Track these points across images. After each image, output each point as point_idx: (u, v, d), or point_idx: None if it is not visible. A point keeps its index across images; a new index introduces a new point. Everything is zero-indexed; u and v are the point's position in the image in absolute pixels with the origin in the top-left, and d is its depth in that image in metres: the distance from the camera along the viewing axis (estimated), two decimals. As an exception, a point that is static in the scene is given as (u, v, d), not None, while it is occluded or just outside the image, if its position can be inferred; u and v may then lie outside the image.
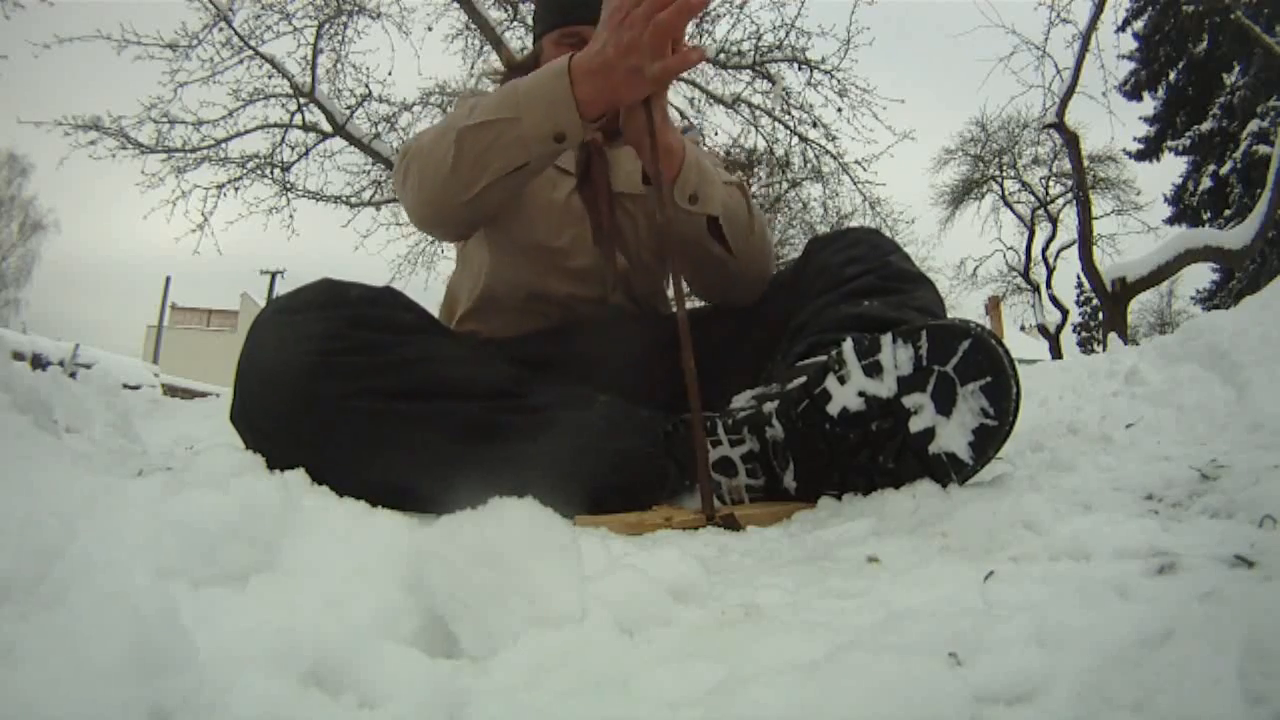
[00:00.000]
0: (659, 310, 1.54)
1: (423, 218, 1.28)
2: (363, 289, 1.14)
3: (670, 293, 1.78)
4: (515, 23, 7.45)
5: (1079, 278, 18.61)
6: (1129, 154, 16.80)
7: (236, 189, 7.62)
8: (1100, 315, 11.95)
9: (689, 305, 1.12)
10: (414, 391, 1.03)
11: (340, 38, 7.45)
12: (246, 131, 7.56)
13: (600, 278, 1.40)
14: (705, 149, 1.59)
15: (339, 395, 1.00)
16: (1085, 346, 22.54)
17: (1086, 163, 10.20)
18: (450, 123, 1.18)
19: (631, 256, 1.43)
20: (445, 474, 0.95)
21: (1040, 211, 13.91)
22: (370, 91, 7.58)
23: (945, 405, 0.93)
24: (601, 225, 1.38)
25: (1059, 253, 13.83)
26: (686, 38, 1.09)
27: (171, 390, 12.25)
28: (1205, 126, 17.23)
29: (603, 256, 1.39)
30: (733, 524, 0.96)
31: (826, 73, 7.48)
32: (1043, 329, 13.59)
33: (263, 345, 1.06)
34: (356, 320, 1.07)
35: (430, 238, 7.30)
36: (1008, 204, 14.11)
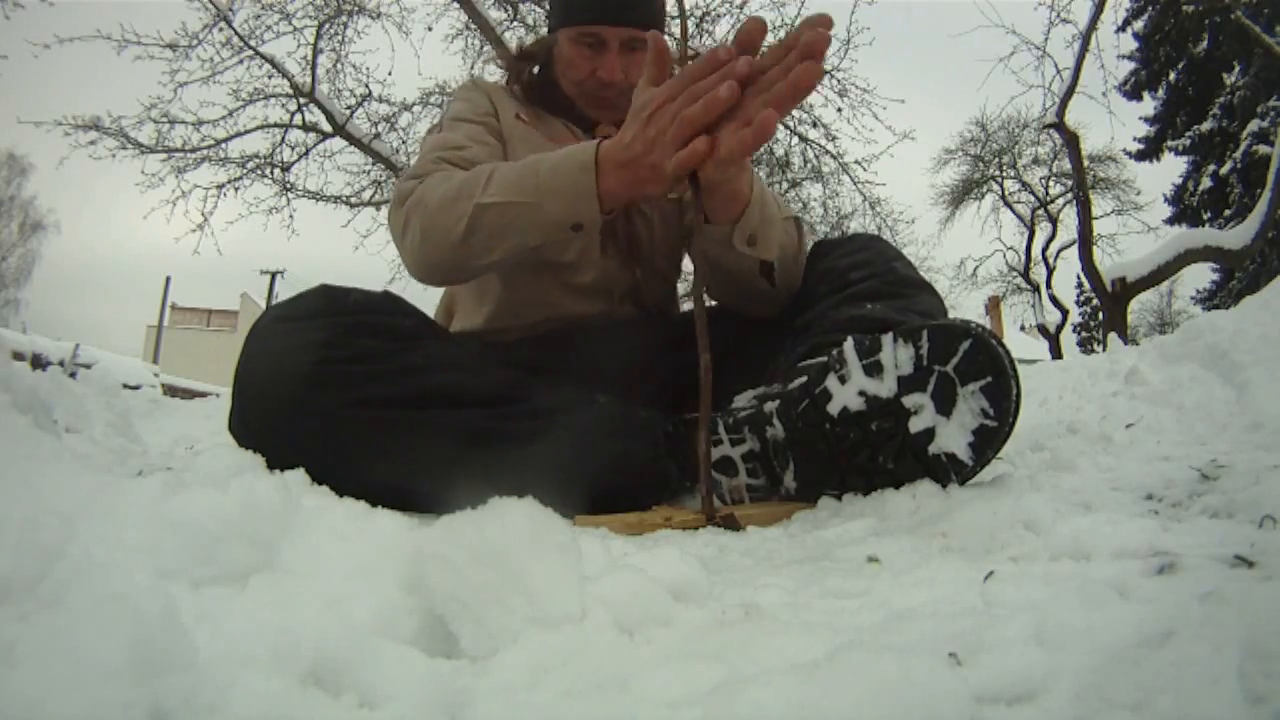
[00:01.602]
0: (668, 313, 1.52)
1: (422, 274, 1.25)
2: (361, 295, 1.13)
3: (681, 292, 1.76)
4: (515, 23, 7.45)
5: (1079, 278, 18.59)
6: (1129, 154, 16.81)
7: (236, 189, 7.63)
8: (1100, 315, 11.95)
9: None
10: (415, 400, 1.03)
11: (340, 38, 7.46)
12: (246, 131, 7.57)
13: (608, 292, 1.39)
14: None
15: (339, 405, 1.00)
16: (1085, 346, 22.52)
17: (1086, 163, 10.19)
18: (464, 189, 1.14)
19: (645, 264, 1.41)
20: (445, 480, 0.95)
21: (1040, 211, 13.90)
22: (370, 91, 7.59)
23: (945, 405, 0.93)
24: (615, 234, 1.37)
25: (1059, 253, 13.82)
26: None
27: (171, 390, 12.25)
28: (1205, 126, 17.23)
29: (614, 268, 1.37)
30: (733, 524, 0.96)
31: (826, 72, 7.48)
32: (1043, 329, 13.58)
33: (261, 354, 1.05)
34: (355, 328, 1.06)
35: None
36: (1008, 204, 14.10)
